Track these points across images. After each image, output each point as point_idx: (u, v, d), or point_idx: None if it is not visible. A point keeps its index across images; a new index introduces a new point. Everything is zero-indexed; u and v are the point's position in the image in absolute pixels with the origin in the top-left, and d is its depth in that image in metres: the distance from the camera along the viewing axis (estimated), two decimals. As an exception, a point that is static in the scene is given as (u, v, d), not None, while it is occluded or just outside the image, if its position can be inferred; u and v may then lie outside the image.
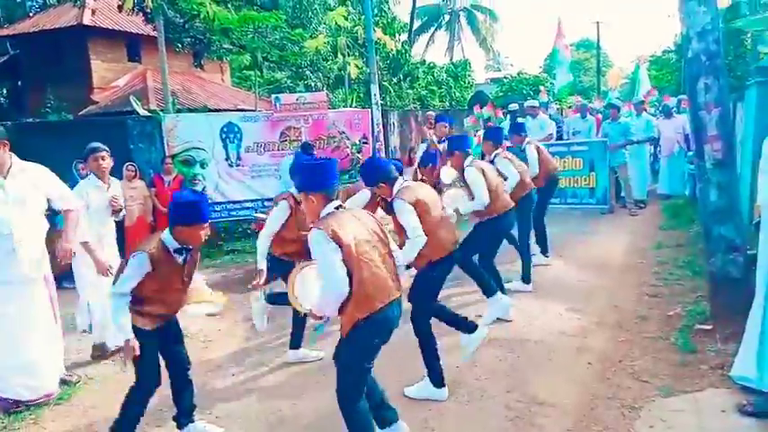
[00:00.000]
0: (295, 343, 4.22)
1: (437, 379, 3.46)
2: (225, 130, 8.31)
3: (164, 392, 3.57)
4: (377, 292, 2.55)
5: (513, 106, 11.23)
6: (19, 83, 19.12)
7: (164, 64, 10.50)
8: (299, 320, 4.12)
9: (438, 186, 4.69)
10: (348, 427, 2.65)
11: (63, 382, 4.00)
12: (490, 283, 4.47)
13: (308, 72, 17.68)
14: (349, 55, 16.16)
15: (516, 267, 5.62)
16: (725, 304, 3.93)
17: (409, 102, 21.75)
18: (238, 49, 14.39)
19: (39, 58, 17.69)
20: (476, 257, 4.63)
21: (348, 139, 8.95)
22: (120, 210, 4.47)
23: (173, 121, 8.22)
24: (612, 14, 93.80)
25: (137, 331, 2.87)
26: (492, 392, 3.52)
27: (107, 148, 4.31)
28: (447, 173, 5.11)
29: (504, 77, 28.42)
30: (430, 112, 10.12)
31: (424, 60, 27.76)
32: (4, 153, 3.60)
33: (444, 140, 6.45)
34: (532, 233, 5.74)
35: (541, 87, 18.95)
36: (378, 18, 19.29)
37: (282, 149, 8.41)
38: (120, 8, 11.82)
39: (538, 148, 5.97)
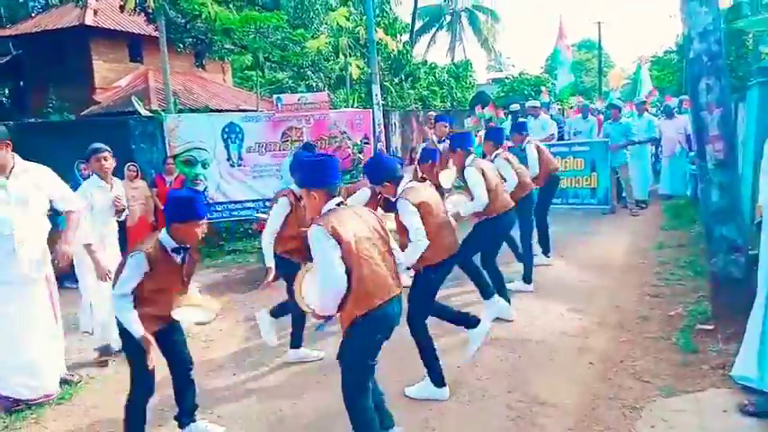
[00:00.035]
0: (295, 342, 4.22)
1: (437, 379, 3.46)
2: (226, 130, 8.32)
3: (165, 392, 3.58)
4: (376, 290, 2.55)
5: (515, 106, 11.24)
6: (21, 83, 19.14)
7: (165, 64, 10.51)
8: (299, 320, 4.12)
9: (439, 189, 4.69)
10: (353, 425, 2.65)
11: (64, 381, 4.00)
12: (488, 286, 4.46)
13: (309, 72, 17.69)
14: (350, 55, 16.17)
15: (517, 267, 5.62)
16: (726, 304, 3.92)
17: (411, 102, 21.75)
18: (240, 49, 14.40)
19: (41, 59, 17.72)
20: (477, 258, 4.63)
21: (349, 140, 8.95)
22: (124, 209, 4.46)
23: (174, 122, 8.23)
24: (614, 15, 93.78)
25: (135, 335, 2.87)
26: (493, 392, 3.52)
27: (109, 149, 4.30)
28: (446, 177, 5.11)
29: (506, 78, 28.45)
30: (431, 113, 10.13)
31: (426, 61, 27.78)
32: (6, 153, 3.61)
33: (444, 140, 6.45)
34: (535, 233, 5.75)
35: (543, 88, 18.97)
36: (379, 18, 19.32)
37: (284, 150, 8.41)
38: (121, 8, 11.84)
39: (538, 148, 5.97)
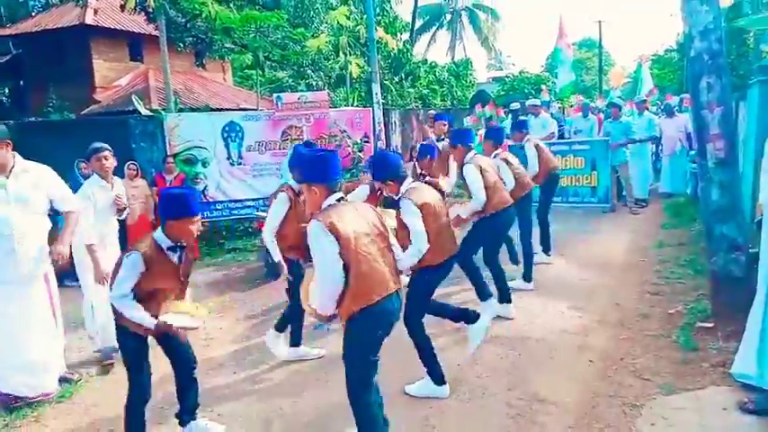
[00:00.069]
0: (295, 341, 4.22)
1: (437, 377, 3.46)
2: (226, 129, 8.33)
3: (166, 390, 3.59)
4: (374, 286, 2.56)
5: (515, 105, 11.24)
6: (21, 82, 19.14)
7: (165, 63, 10.51)
8: (298, 318, 4.11)
9: (440, 190, 4.69)
10: (356, 421, 2.65)
11: (64, 380, 4.00)
12: (485, 287, 4.45)
13: (309, 71, 17.68)
14: (350, 54, 16.17)
15: (515, 266, 5.62)
16: (726, 302, 3.92)
17: (411, 101, 21.74)
18: (240, 48, 14.39)
19: (41, 58, 17.72)
20: (477, 259, 4.62)
21: (349, 138, 8.96)
22: (125, 209, 4.44)
23: (174, 121, 8.24)
24: (614, 13, 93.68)
25: (130, 335, 2.86)
26: (493, 390, 3.53)
27: (110, 148, 4.28)
28: (446, 182, 5.12)
29: (506, 76, 28.44)
30: (431, 111, 10.13)
31: (426, 59, 27.76)
32: (6, 153, 3.60)
33: (443, 138, 6.45)
34: (536, 231, 5.74)
35: (543, 86, 18.96)
36: (379, 17, 19.31)
37: (284, 148, 8.41)
38: (122, 8, 11.84)
39: (537, 147, 5.97)
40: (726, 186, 3.90)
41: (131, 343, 2.90)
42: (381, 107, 9.98)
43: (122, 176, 6.54)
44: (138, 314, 2.79)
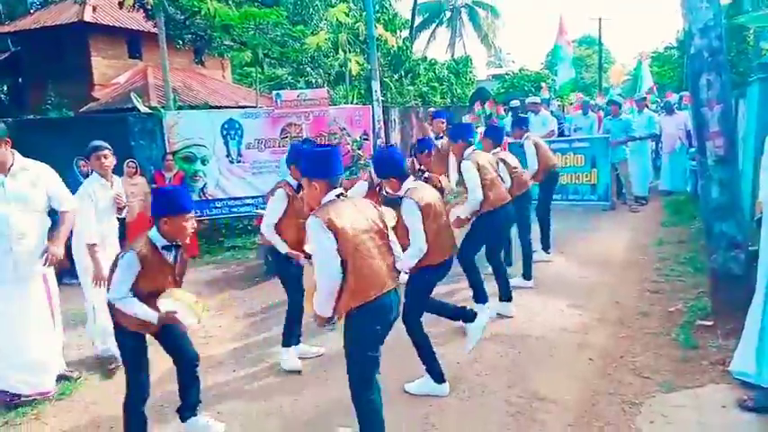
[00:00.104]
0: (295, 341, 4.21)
1: (437, 375, 3.46)
2: (226, 126, 8.31)
3: (166, 389, 3.59)
4: (372, 283, 2.56)
5: (515, 103, 11.22)
6: (20, 79, 19.11)
7: (164, 61, 10.48)
8: (297, 316, 4.10)
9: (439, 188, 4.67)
10: (358, 417, 2.65)
11: (64, 377, 4.00)
12: (482, 292, 4.44)
13: (308, 69, 17.67)
14: (350, 51, 16.12)
15: (517, 264, 5.62)
16: (726, 300, 3.92)
17: (410, 98, 21.73)
18: (239, 45, 14.36)
19: (39, 55, 17.68)
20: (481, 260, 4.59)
21: (349, 136, 8.94)
22: (125, 207, 4.40)
23: (173, 118, 8.22)
24: (614, 10, 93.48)
25: (128, 334, 2.85)
26: (493, 388, 3.53)
27: (109, 147, 4.22)
28: (446, 182, 5.10)
29: (506, 74, 28.43)
30: (431, 109, 10.12)
31: (426, 57, 27.73)
32: (6, 151, 3.59)
33: (442, 136, 6.44)
34: (536, 229, 5.73)
35: (543, 84, 18.93)
36: (379, 14, 19.27)
37: (283, 146, 8.39)
38: (120, 5, 11.81)
39: (536, 144, 5.96)
40: (725, 184, 3.89)
41: (130, 342, 2.90)
42: (381, 105, 9.96)
43: (121, 174, 6.53)
44: (141, 310, 2.78)
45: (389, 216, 3.45)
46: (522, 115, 8.84)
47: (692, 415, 3.04)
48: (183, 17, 12.63)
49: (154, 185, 7.32)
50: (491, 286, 4.76)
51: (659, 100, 12.71)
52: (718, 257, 3.98)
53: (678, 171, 9.33)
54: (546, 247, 6.22)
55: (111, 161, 4.21)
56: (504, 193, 4.57)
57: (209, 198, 8.28)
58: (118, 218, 4.47)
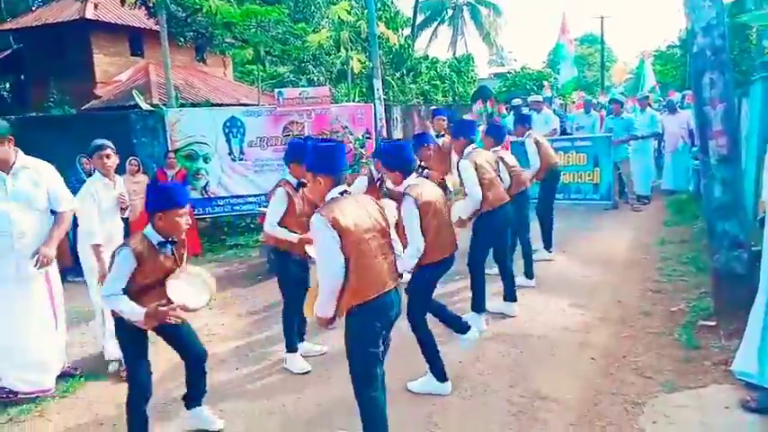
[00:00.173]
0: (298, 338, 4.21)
1: (439, 374, 3.47)
2: (228, 124, 8.31)
3: (167, 386, 3.60)
4: (373, 282, 2.57)
5: (517, 101, 11.20)
6: (22, 77, 19.13)
7: (166, 58, 10.48)
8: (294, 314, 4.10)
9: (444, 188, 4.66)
10: (361, 416, 2.66)
11: (68, 375, 4.01)
12: (482, 299, 4.43)
13: (310, 66, 17.67)
14: (352, 49, 16.14)
15: (518, 264, 5.62)
16: (729, 300, 3.92)
17: (412, 97, 21.73)
18: (241, 43, 14.38)
19: (42, 52, 17.70)
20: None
21: (351, 134, 8.94)
22: (128, 208, 4.36)
23: (176, 116, 8.22)
24: (617, 9, 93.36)
25: (130, 331, 2.83)
26: (495, 387, 3.53)
27: (112, 146, 4.17)
28: (452, 181, 5.09)
29: (508, 72, 28.40)
30: (433, 107, 10.11)
31: (427, 55, 27.75)
32: (9, 149, 3.58)
33: (443, 135, 6.43)
34: (537, 227, 5.71)
35: (545, 82, 18.91)
36: (381, 12, 19.26)
37: (285, 144, 8.40)
38: (122, 2, 11.84)
39: (537, 141, 5.93)
40: (728, 183, 3.88)
41: (131, 339, 2.89)
42: (383, 103, 9.97)
43: (124, 171, 6.54)
44: (128, 307, 2.72)
45: (391, 212, 3.44)
46: (524, 113, 8.81)
47: (695, 415, 3.04)
48: (184, 14, 12.65)
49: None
50: (496, 286, 4.77)
51: (662, 99, 12.70)
52: (720, 257, 3.97)
53: (681, 170, 9.30)
54: (548, 246, 6.22)
55: (113, 161, 4.16)
56: (502, 194, 4.53)
57: (212, 196, 8.30)
58: (122, 218, 4.45)
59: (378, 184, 4.93)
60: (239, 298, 5.87)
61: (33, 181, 3.68)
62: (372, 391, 2.64)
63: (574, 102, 14.71)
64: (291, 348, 4.03)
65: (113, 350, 4.02)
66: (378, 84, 9.97)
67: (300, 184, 3.93)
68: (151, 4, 11.00)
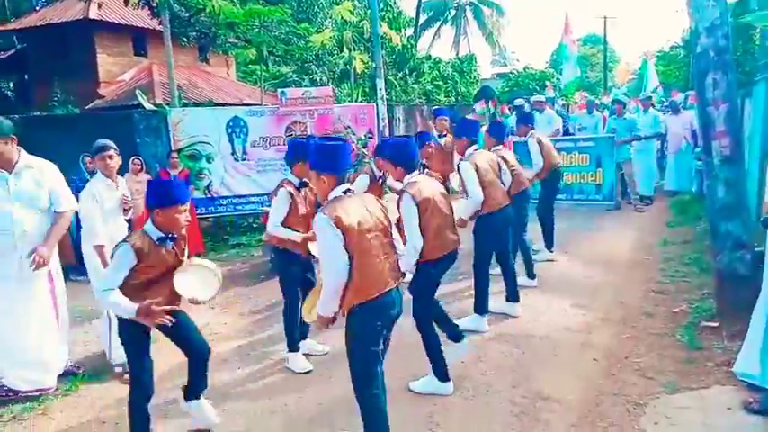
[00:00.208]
0: (301, 334, 4.21)
1: (442, 373, 3.47)
2: (231, 124, 8.33)
3: (166, 386, 3.61)
4: (375, 281, 2.58)
5: (519, 101, 11.19)
6: (26, 76, 19.20)
7: (169, 58, 10.49)
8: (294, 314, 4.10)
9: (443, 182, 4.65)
10: (362, 415, 2.66)
11: (70, 373, 4.02)
12: (485, 302, 4.42)
13: (313, 66, 17.69)
14: (354, 49, 16.15)
15: (519, 263, 5.62)
16: (731, 301, 3.90)
17: (415, 97, 21.73)
18: (244, 43, 14.41)
19: (45, 52, 17.75)
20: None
21: (353, 134, 8.95)
22: (131, 209, 4.35)
23: (179, 116, 8.24)
24: (619, 9, 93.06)
25: (132, 329, 2.84)
26: (497, 387, 3.53)
27: (115, 147, 4.15)
28: (456, 179, 5.08)
29: (511, 72, 28.35)
30: (436, 107, 10.11)
31: (430, 55, 27.73)
32: (12, 148, 3.59)
33: (445, 134, 6.42)
34: (538, 227, 5.69)
35: (548, 83, 18.89)
36: (384, 12, 19.26)
37: (287, 144, 8.41)
38: (126, 2, 11.84)
39: (540, 141, 5.91)
40: (731, 184, 3.88)
41: (133, 338, 2.90)
42: (385, 103, 9.98)
43: (127, 171, 6.55)
44: (116, 301, 2.71)
45: (392, 210, 3.44)
46: (526, 113, 8.79)
47: (697, 416, 3.03)
48: (187, 15, 12.66)
49: (157, 181, 7.34)
50: (498, 286, 4.76)
51: (665, 99, 12.67)
52: (723, 258, 3.96)
53: (683, 171, 9.29)
54: (549, 246, 6.21)
55: (116, 162, 4.14)
56: (502, 196, 4.48)
57: (214, 196, 8.31)
58: (126, 219, 4.44)
59: (379, 183, 4.94)
60: (242, 297, 5.88)
61: (36, 180, 3.69)
62: (373, 390, 2.65)
63: (576, 102, 14.70)
64: (293, 348, 4.04)
65: (120, 354, 3.96)
66: (380, 84, 9.98)
67: (302, 184, 3.93)
68: (154, 4, 11.02)
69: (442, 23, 35.33)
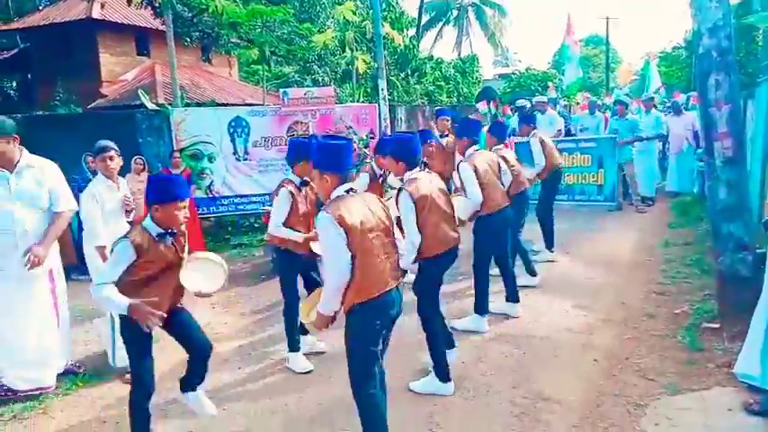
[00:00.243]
0: (301, 330, 4.20)
1: (443, 373, 3.47)
2: (233, 124, 8.33)
3: (167, 385, 3.61)
4: (376, 280, 2.58)
5: (521, 102, 11.19)
6: (29, 76, 19.26)
7: (172, 58, 10.53)
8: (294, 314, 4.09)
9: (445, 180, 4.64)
10: (360, 414, 2.66)
11: (71, 372, 4.03)
12: (485, 302, 4.42)
13: (315, 67, 17.71)
14: (357, 50, 16.16)
15: (519, 264, 5.61)
16: (733, 303, 3.90)
17: (417, 97, 21.73)
18: (246, 43, 14.44)
19: (48, 52, 17.80)
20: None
21: (355, 134, 8.95)
22: (133, 210, 4.35)
23: (181, 115, 8.25)
24: (622, 10, 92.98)
25: (133, 328, 2.81)
26: (498, 388, 3.53)
27: (116, 147, 4.14)
28: (457, 177, 5.08)
29: (513, 73, 28.37)
30: (438, 107, 10.12)
31: (432, 56, 27.75)
32: (14, 148, 3.60)
33: (446, 134, 6.42)
34: (538, 228, 5.68)
35: (550, 83, 18.87)
36: (386, 13, 19.27)
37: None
38: (129, 2, 11.89)
39: (542, 141, 5.90)
40: (733, 185, 3.87)
41: (135, 337, 2.89)
42: (387, 103, 9.98)
43: (129, 171, 6.56)
44: (109, 296, 2.68)
45: (393, 209, 3.45)
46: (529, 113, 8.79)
47: (698, 418, 3.03)
48: (190, 14, 12.70)
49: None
50: (499, 286, 4.76)
51: (667, 100, 12.65)
52: (725, 259, 3.95)
53: (685, 172, 9.27)
54: (550, 246, 6.20)
55: (117, 163, 4.13)
56: (501, 197, 4.47)
57: (216, 195, 8.32)
58: (128, 221, 4.44)
59: (380, 182, 4.95)
60: (243, 297, 5.89)
61: (37, 180, 3.69)
62: (371, 389, 2.65)
63: (578, 103, 14.68)
64: (294, 348, 4.04)
65: (122, 357, 3.94)
66: (382, 84, 9.98)
67: (303, 183, 3.94)
68: (157, 4, 11.06)
69: (444, 24, 35.34)
